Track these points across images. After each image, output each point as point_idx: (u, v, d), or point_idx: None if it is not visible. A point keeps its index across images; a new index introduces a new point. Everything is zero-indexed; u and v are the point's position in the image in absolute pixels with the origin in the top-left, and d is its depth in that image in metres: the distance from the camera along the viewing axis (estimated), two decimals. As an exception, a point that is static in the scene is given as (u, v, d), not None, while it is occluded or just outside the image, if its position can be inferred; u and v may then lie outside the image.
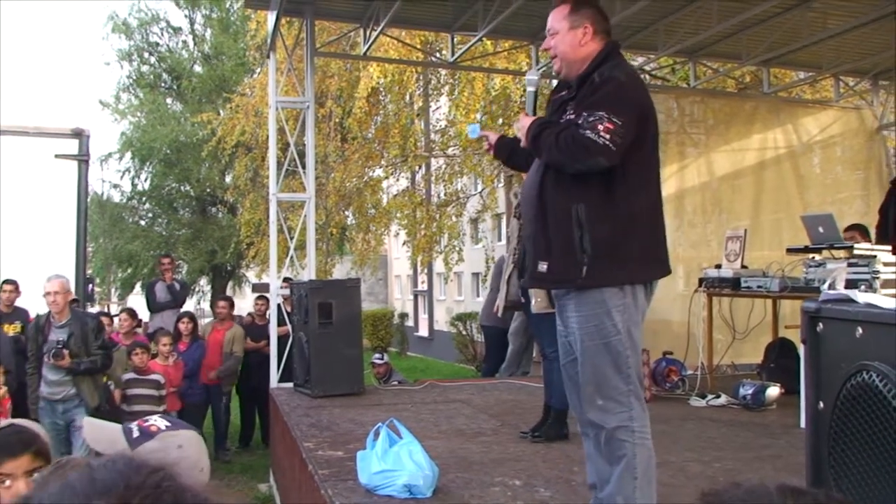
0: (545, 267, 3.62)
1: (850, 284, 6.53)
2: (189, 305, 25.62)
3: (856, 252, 6.91)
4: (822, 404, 2.38)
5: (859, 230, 8.90)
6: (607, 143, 3.35)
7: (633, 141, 3.46)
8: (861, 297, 2.33)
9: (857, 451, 2.18)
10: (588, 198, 3.50)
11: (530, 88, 3.91)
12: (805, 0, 9.44)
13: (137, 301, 23.50)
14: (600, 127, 3.36)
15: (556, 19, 3.70)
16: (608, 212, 3.51)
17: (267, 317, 11.64)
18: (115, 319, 10.92)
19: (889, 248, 7.05)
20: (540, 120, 3.69)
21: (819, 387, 2.40)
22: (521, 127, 3.73)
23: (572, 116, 3.55)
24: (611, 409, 3.54)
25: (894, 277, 6.49)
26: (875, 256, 6.61)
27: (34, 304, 9.50)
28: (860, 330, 2.22)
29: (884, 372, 2.07)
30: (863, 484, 2.14)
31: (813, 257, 7.29)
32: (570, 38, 3.65)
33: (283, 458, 7.55)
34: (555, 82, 3.98)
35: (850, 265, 6.68)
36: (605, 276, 3.51)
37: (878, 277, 6.45)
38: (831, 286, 6.48)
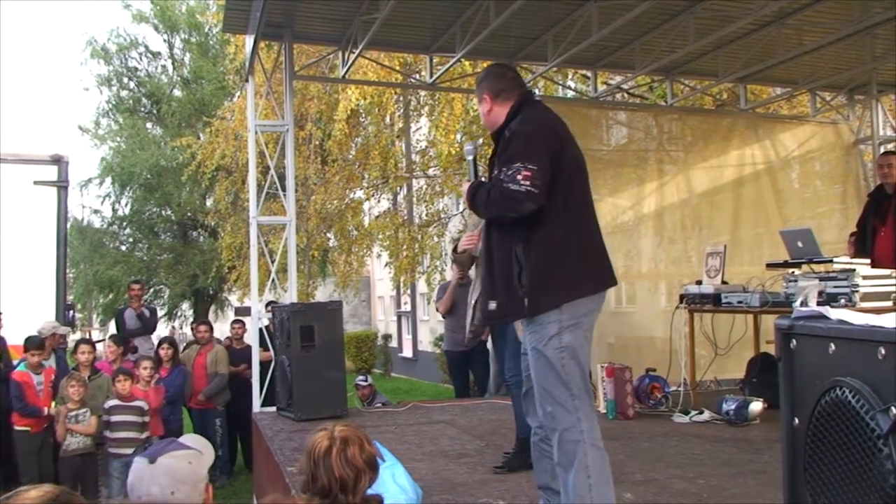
0: (494, 305, 4.07)
1: (831, 298, 6.57)
2: (167, 329, 25.52)
3: (835, 266, 6.95)
4: (797, 420, 2.38)
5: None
6: (529, 188, 3.76)
7: (551, 179, 3.85)
8: (833, 313, 2.34)
9: (832, 466, 2.19)
10: (524, 237, 3.90)
11: (468, 157, 4.36)
12: (780, 17, 9.53)
13: (118, 327, 23.36)
14: (519, 177, 3.77)
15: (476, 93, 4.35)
16: (538, 246, 3.89)
17: (244, 340, 11.64)
18: (99, 346, 10.86)
19: (868, 261, 7.10)
20: (474, 183, 4.17)
21: (794, 403, 2.41)
22: (463, 190, 4.26)
23: (496, 172, 3.99)
24: (558, 415, 3.86)
25: (873, 291, 6.53)
26: (854, 270, 6.65)
27: (14, 332, 9.46)
28: (833, 346, 2.23)
29: (856, 388, 2.08)
30: (838, 499, 2.15)
31: (793, 272, 7.32)
32: (481, 109, 4.27)
33: (267, 483, 7.51)
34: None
35: (825, 280, 6.72)
36: (544, 303, 3.88)
37: (857, 291, 6.50)
38: (803, 303, 6.51)
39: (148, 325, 11.58)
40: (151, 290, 30.22)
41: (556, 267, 3.89)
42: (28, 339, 8.92)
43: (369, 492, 4.02)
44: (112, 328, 29.40)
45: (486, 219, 4.17)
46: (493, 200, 3.91)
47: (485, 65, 12.95)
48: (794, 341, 2.45)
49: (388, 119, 19.13)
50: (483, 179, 4.26)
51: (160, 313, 25.66)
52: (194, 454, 3.00)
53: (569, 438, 3.82)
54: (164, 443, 3.15)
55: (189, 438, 3.25)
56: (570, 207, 3.96)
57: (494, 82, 4.21)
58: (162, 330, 20.99)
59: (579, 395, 3.86)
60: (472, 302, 6.11)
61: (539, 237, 3.88)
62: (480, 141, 16.68)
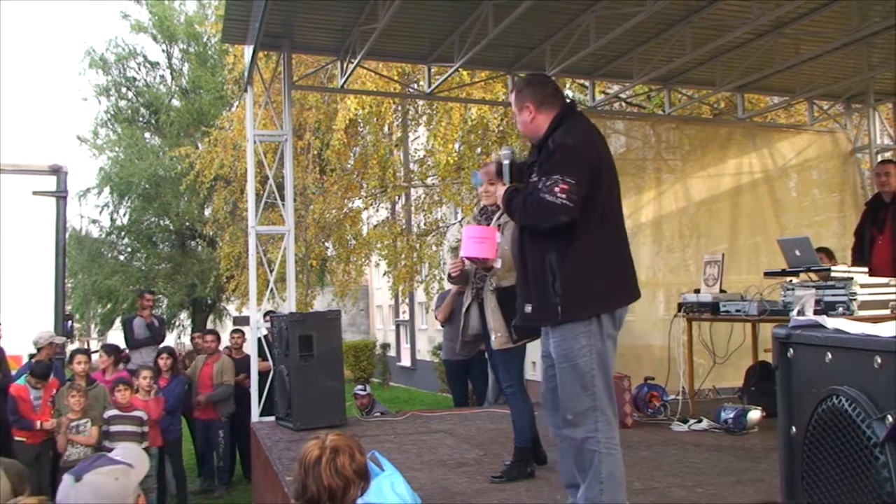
0: (530, 308, 4.21)
1: (828, 307, 6.58)
2: (170, 340, 25.46)
3: (833, 274, 6.95)
4: (794, 429, 2.40)
5: (825, 252, 8.99)
6: (564, 201, 3.92)
7: (588, 193, 3.99)
8: (830, 322, 2.35)
9: (829, 474, 2.20)
10: (557, 247, 4.05)
11: (505, 161, 4.49)
12: (777, 26, 9.54)
13: (118, 337, 23.34)
14: (556, 189, 3.92)
15: (512, 101, 4.43)
16: (572, 257, 4.04)
17: (243, 350, 11.64)
18: (94, 356, 10.85)
19: (865, 269, 7.11)
20: (511, 187, 4.32)
21: (791, 412, 2.42)
22: (499, 195, 4.38)
23: (535, 179, 4.14)
24: (578, 423, 4.04)
25: (871, 299, 6.54)
26: (852, 279, 6.66)
27: (13, 342, 9.46)
28: (829, 355, 2.25)
29: (852, 396, 2.09)
30: (835, 508, 2.16)
31: (790, 280, 7.33)
32: (520, 118, 4.35)
33: (265, 493, 7.50)
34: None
35: (822, 288, 6.73)
36: (575, 312, 4.04)
37: (854, 299, 6.51)
38: (800, 312, 6.52)
39: (157, 335, 11.60)
40: (151, 298, 30.05)
41: (590, 279, 4.04)
42: (32, 370, 8.87)
43: (361, 501, 4.03)
44: (109, 337, 29.48)
45: (520, 225, 4.31)
46: (529, 209, 4.06)
47: (483, 74, 13.06)
48: (791, 350, 2.46)
49: (386, 128, 19.13)
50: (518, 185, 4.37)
51: (159, 323, 25.55)
52: (122, 469, 2.98)
53: (587, 447, 4.01)
54: (92, 458, 3.12)
55: (122, 451, 3.21)
56: (606, 222, 4.13)
57: (538, 92, 4.31)
58: (170, 341, 20.93)
59: (601, 406, 4.03)
60: (465, 310, 6.14)
61: (575, 248, 4.03)
62: (479, 150, 16.78)
